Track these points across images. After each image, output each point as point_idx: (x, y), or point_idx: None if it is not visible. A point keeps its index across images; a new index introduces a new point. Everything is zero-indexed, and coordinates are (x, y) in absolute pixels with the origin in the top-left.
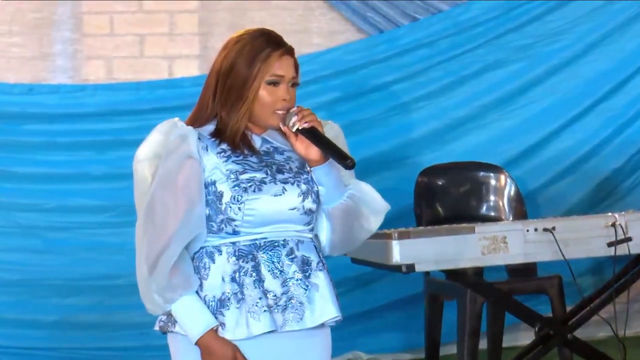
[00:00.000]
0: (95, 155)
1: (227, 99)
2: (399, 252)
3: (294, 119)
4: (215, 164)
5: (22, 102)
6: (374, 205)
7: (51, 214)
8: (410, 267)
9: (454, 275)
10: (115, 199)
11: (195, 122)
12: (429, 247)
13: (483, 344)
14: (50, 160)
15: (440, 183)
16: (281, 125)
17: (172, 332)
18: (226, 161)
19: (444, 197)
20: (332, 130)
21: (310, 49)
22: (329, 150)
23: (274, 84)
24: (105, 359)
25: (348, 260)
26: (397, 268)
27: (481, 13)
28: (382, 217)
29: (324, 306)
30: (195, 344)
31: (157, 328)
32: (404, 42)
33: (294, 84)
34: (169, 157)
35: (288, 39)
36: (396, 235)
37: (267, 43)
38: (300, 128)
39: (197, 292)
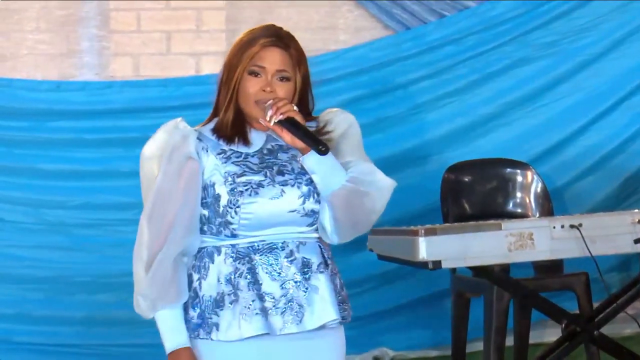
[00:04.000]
0: (122, 152)
1: (222, 93)
2: (425, 248)
3: (270, 112)
4: (215, 166)
5: (49, 99)
6: (378, 184)
7: (78, 211)
8: (437, 264)
9: (480, 271)
10: None
11: (208, 121)
12: (456, 244)
13: (509, 341)
14: (77, 157)
15: (466, 180)
16: (261, 120)
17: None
18: (225, 162)
19: (471, 194)
20: (345, 122)
21: (337, 46)
22: (305, 137)
23: (255, 74)
24: (133, 356)
25: (374, 257)
26: (423, 265)
27: (507, 10)
28: (388, 195)
29: (324, 308)
30: (167, 354)
31: None
32: (430, 39)
33: (283, 78)
34: (171, 157)
35: (314, 36)
36: (423, 232)
37: (259, 33)
38: (276, 120)
39: (197, 292)
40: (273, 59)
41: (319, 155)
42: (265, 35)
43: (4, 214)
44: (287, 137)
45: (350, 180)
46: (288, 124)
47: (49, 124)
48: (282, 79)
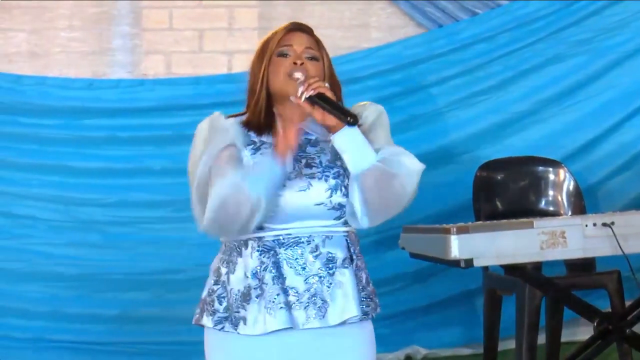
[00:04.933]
0: (154, 150)
1: (250, 83)
2: (457, 246)
3: (301, 88)
4: (245, 157)
5: (82, 96)
6: (407, 167)
7: (111, 208)
8: (469, 262)
9: (512, 270)
10: (175, 194)
11: (238, 115)
12: (488, 242)
13: (541, 339)
14: (110, 155)
15: (499, 178)
16: (292, 98)
17: (202, 325)
18: (254, 154)
19: (503, 191)
20: (375, 112)
21: (370, 44)
22: (333, 109)
23: (284, 55)
24: (165, 354)
25: (406, 255)
26: (455, 263)
27: (540, 8)
28: (417, 178)
29: (346, 304)
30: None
31: (193, 322)
32: (463, 36)
33: (312, 57)
34: (215, 139)
35: (347, 34)
36: (455, 230)
37: (281, 26)
38: (307, 96)
39: (225, 285)
40: (300, 40)
41: (349, 133)
42: (291, 25)
43: (36, 211)
44: (317, 115)
45: (380, 160)
46: (319, 99)
47: (81, 121)
48: (311, 58)
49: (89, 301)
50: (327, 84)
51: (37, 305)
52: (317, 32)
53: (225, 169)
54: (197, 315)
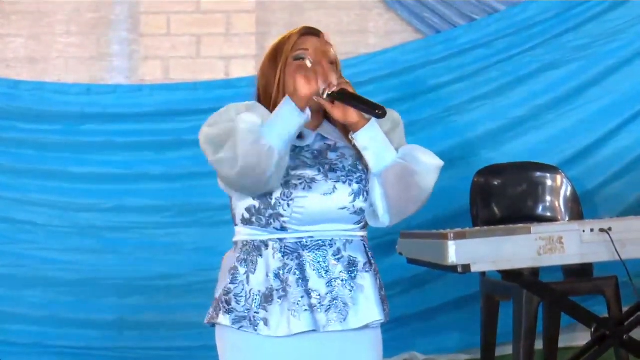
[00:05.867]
0: (152, 156)
1: (262, 87)
2: (454, 252)
3: (323, 87)
4: None
5: (80, 102)
6: (427, 163)
7: (109, 214)
8: (466, 268)
9: (510, 275)
10: (173, 199)
11: None
12: (485, 248)
13: (539, 345)
14: (108, 160)
15: (496, 183)
16: (315, 98)
17: (218, 324)
18: None
19: (500, 197)
20: (389, 119)
21: (367, 49)
22: (360, 103)
23: (301, 58)
24: (163, 359)
25: (404, 261)
26: (453, 268)
27: (538, 13)
28: (437, 174)
29: (368, 308)
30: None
31: (206, 321)
32: (460, 42)
33: (329, 62)
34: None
35: (345, 39)
36: (452, 235)
37: (293, 30)
38: (329, 92)
39: (243, 285)
40: (314, 43)
41: (371, 130)
42: (304, 29)
43: (35, 217)
44: (338, 113)
45: (401, 157)
46: (340, 95)
47: (79, 127)
48: (327, 62)
49: (87, 306)
50: (348, 80)
51: (36, 310)
52: None
53: (247, 116)
54: (211, 314)
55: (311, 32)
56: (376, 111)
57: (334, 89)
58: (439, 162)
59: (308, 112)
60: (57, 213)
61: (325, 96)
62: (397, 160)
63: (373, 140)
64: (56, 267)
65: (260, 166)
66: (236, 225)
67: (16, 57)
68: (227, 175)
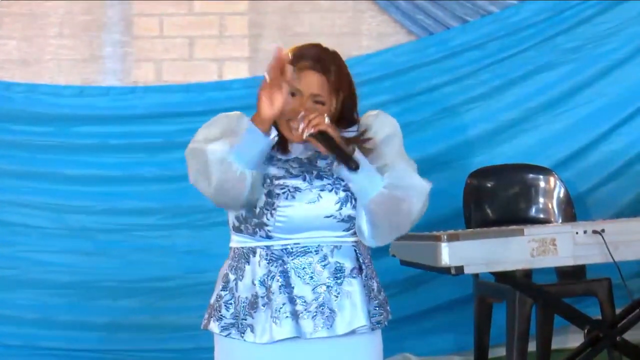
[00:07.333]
0: (145, 157)
1: None
2: (448, 254)
3: (302, 125)
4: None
5: (72, 104)
6: (415, 189)
7: (102, 216)
8: (460, 269)
9: (503, 277)
10: (166, 201)
11: None
12: (478, 249)
13: (532, 346)
14: (100, 162)
15: (489, 185)
16: (294, 132)
17: (210, 330)
18: (266, 164)
19: (493, 199)
20: (386, 126)
21: (360, 52)
22: (336, 153)
23: (292, 94)
24: None
25: (397, 263)
26: (446, 270)
27: (531, 15)
28: (424, 198)
29: (354, 314)
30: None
31: (202, 327)
32: (453, 44)
33: (318, 102)
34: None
35: (337, 41)
36: (445, 237)
37: (301, 53)
38: (307, 134)
39: (232, 292)
40: (309, 83)
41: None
42: (307, 58)
43: (27, 219)
44: (322, 149)
45: (386, 186)
46: (319, 137)
47: (72, 129)
48: (316, 102)
49: (79, 308)
50: (327, 120)
51: (28, 312)
52: (307, 40)
53: (217, 145)
54: (205, 321)
55: (316, 67)
56: (350, 165)
57: (312, 131)
58: (427, 186)
59: (273, 132)
60: (50, 215)
61: (304, 136)
62: (382, 191)
63: (356, 174)
64: (49, 269)
65: (235, 190)
66: (231, 232)
67: (9, 59)
68: (206, 195)
